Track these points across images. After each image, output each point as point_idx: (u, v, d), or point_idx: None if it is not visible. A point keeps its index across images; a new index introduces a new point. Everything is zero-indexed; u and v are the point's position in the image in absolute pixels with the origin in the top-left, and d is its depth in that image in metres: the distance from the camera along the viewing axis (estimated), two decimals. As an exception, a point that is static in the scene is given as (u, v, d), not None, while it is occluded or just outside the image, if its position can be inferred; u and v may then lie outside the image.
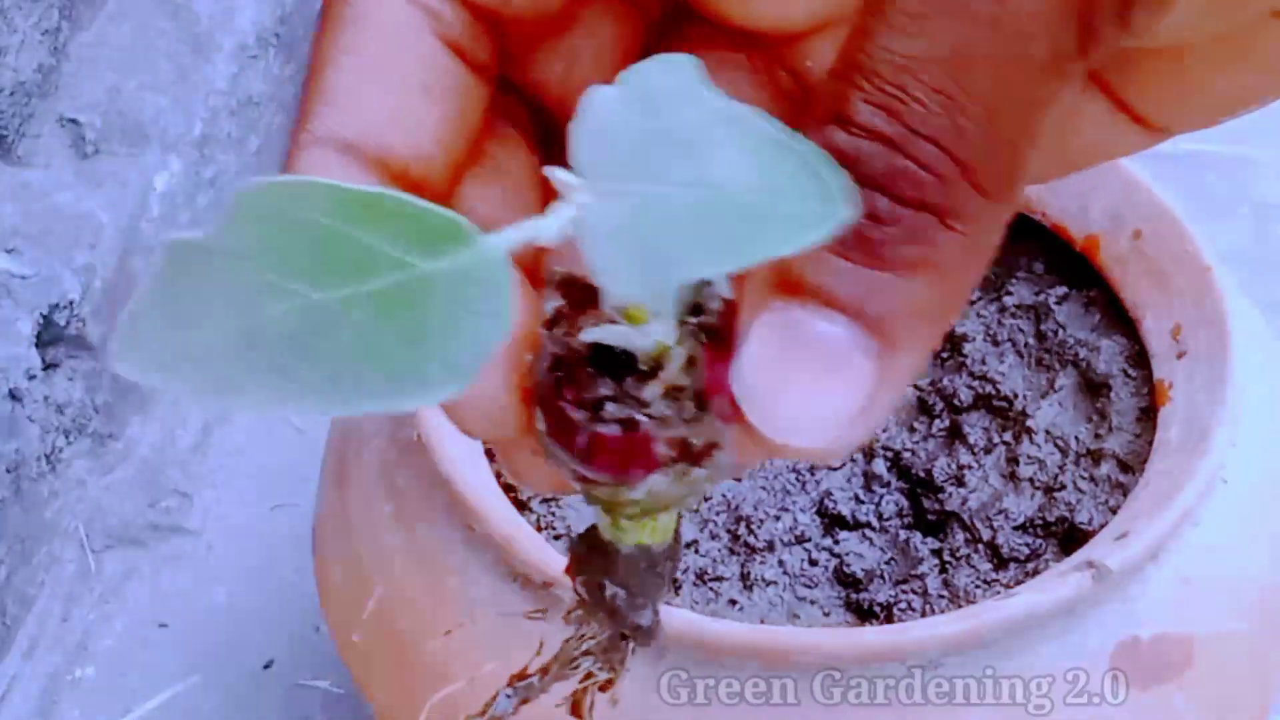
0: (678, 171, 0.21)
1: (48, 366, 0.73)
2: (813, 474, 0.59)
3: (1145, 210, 0.58)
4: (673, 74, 0.21)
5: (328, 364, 0.21)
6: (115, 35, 0.81)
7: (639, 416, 0.23)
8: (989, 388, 0.59)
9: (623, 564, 0.26)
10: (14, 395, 0.70)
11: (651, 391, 0.23)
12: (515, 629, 0.47)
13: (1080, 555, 0.47)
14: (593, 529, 0.27)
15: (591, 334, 0.23)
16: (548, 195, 0.27)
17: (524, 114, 0.27)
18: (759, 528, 0.56)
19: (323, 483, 0.57)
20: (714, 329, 0.23)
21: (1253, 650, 0.48)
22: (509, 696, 0.30)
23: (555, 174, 0.21)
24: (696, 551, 0.55)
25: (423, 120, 0.24)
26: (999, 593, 0.52)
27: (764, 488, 0.58)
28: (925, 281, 0.22)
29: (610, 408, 0.23)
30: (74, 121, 0.78)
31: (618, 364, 0.24)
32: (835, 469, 0.59)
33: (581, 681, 0.28)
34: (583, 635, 0.28)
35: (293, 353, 0.21)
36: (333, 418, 0.59)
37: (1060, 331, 0.60)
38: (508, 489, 0.54)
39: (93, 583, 0.75)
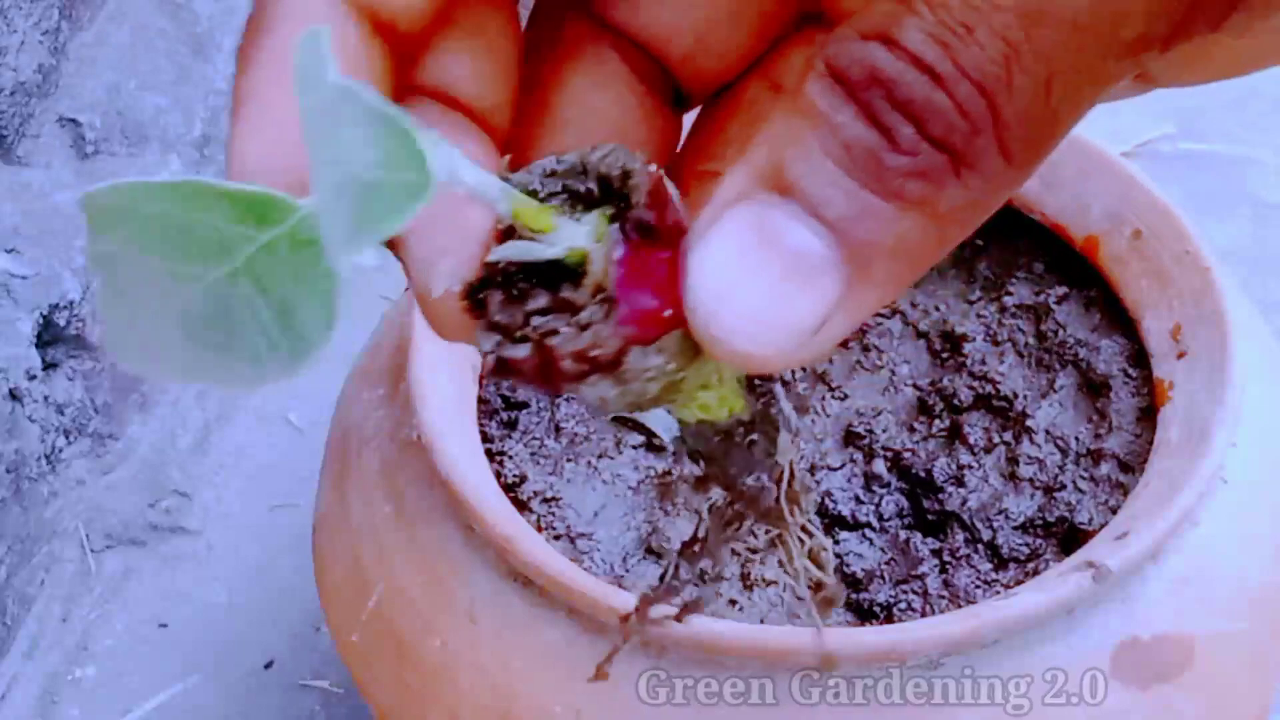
0: (327, 153, 0.20)
1: (48, 366, 0.73)
2: (813, 474, 0.59)
3: (1145, 210, 0.58)
4: (311, 51, 0.20)
5: (246, 334, 0.21)
6: (115, 35, 0.81)
7: (564, 329, 0.23)
8: (989, 388, 0.59)
9: (691, 436, 0.26)
10: (14, 395, 0.70)
11: (583, 295, 0.23)
12: (515, 629, 0.47)
13: (1080, 555, 0.47)
14: None
15: (497, 252, 0.23)
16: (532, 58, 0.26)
17: None
18: (759, 528, 0.56)
19: (323, 483, 0.57)
20: (642, 222, 0.23)
21: (1253, 650, 0.48)
22: (688, 572, 0.29)
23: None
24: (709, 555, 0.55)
25: None
26: (999, 593, 0.52)
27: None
28: (919, 222, 0.21)
29: (536, 320, 0.23)
30: (74, 121, 0.78)
31: (556, 273, 0.23)
32: (835, 469, 0.59)
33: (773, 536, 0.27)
34: (714, 503, 0.27)
35: (217, 330, 0.21)
36: (333, 417, 0.59)
37: (1060, 331, 0.60)
38: (508, 489, 0.54)
39: (93, 583, 0.75)
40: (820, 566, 0.28)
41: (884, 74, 0.21)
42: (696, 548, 0.28)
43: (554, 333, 0.23)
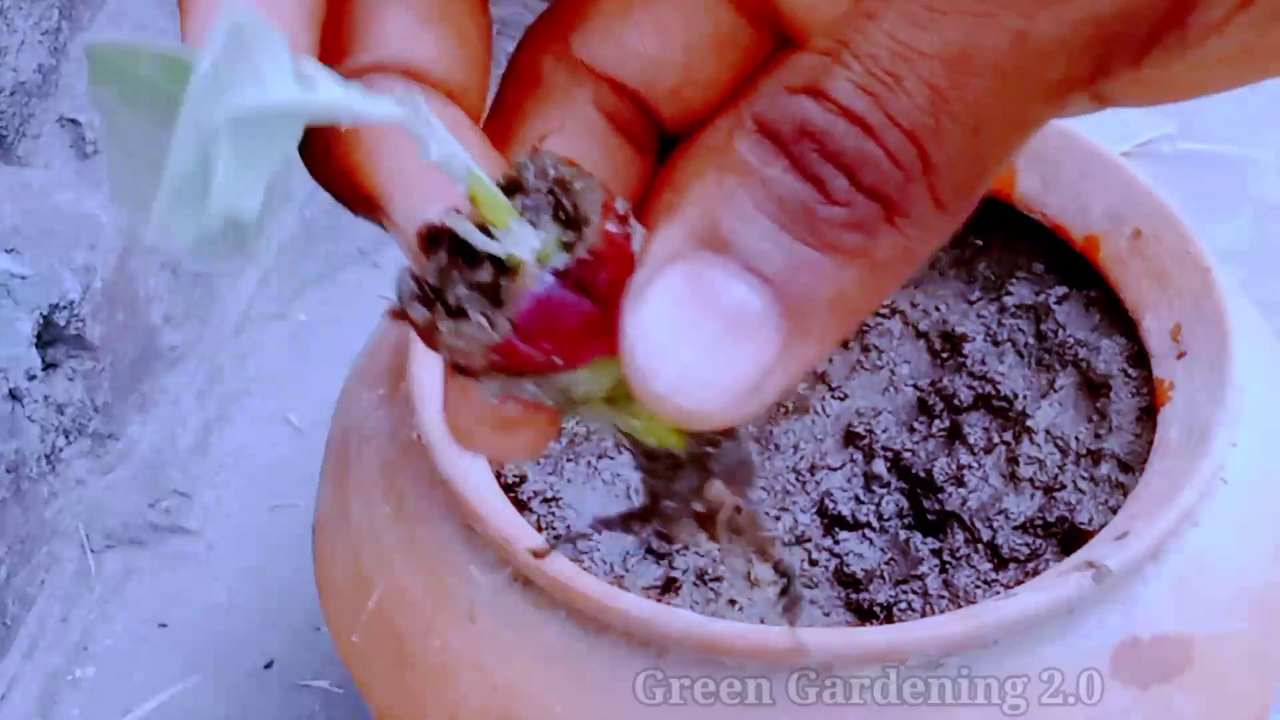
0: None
1: (48, 366, 0.73)
2: (813, 474, 0.59)
3: (1145, 210, 0.58)
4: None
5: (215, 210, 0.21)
6: (115, 35, 0.81)
7: (472, 313, 0.23)
8: (989, 388, 0.59)
9: (628, 440, 0.26)
10: (14, 395, 0.70)
11: (508, 293, 0.23)
12: (515, 629, 0.47)
13: (1080, 555, 0.47)
14: None
15: (446, 217, 0.23)
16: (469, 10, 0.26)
17: None
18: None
19: (323, 483, 0.57)
20: (578, 273, 0.23)
21: (1253, 650, 0.48)
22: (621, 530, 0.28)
23: None
24: (696, 552, 0.55)
25: None
26: (999, 593, 0.52)
27: (764, 488, 0.58)
28: (855, 273, 0.21)
29: (460, 291, 0.23)
30: (74, 121, 0.78)
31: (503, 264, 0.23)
32: (835, 469, 0.59)
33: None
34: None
35: (197, 199, 0.21)
36: (333, 417, 0.59)
37: (1060, 331, 0.60)
38: (508, 489, 0.54)
39: (93, 583, 0.75)
40: (785, 575, 0.27)
41: (814, 126, 0.21)
42: (638, 523, 0.28)
43: (462, 313, 0.23)
